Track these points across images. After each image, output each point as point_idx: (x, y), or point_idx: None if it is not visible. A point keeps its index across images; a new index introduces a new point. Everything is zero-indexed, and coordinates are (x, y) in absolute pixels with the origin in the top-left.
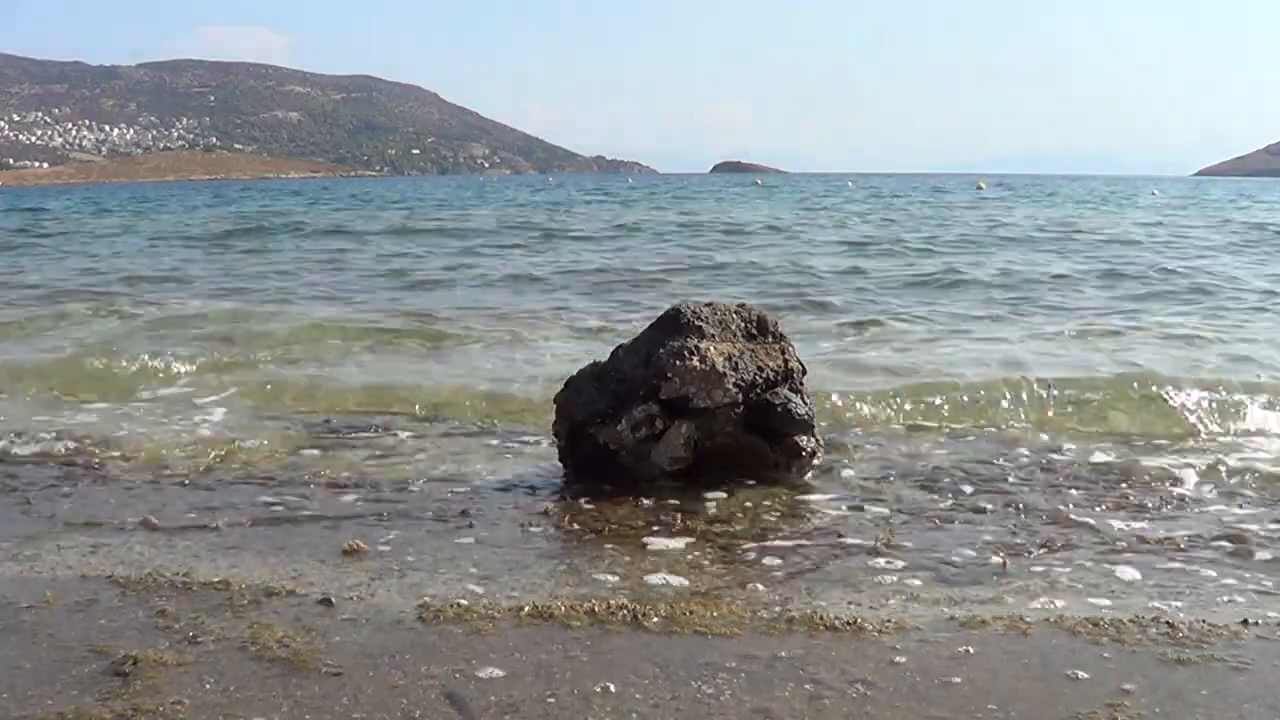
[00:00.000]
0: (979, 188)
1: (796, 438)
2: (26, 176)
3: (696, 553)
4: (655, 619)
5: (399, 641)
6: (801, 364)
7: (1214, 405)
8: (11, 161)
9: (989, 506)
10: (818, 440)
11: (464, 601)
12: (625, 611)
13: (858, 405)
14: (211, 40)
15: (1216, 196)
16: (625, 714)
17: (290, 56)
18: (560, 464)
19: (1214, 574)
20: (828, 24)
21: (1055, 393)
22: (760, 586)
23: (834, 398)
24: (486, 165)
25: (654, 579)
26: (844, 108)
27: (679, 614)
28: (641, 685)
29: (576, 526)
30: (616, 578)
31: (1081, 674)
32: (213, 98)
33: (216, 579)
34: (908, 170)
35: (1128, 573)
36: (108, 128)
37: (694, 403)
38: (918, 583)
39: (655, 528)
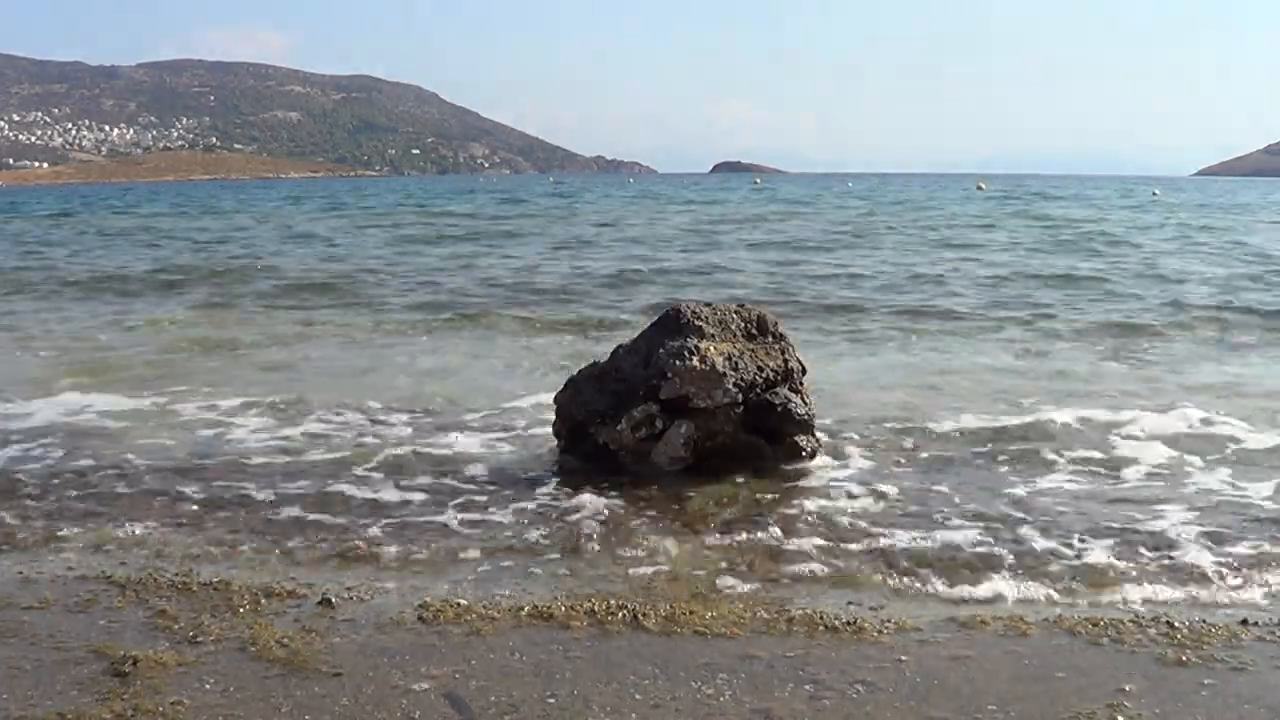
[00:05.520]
0: (979, 187)
1: (796, 437)
2: (27, 176)
3: (696, 552)
4: (655, 619)
5: (399, 641)
6: (801, 364)
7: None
8: (11, 161)
9: (990, 506)
10: (817, 440)
11: (464, 601)
12: (625, 611)
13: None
14: (211, 40)
15: None
16: (625, 714)
17: (290, 56)
18: (560, 463)
19: (1214, 574)
20: (828, 24)
21: None
22: (760, 586)
23: None
24: (486, 165)
25: (653, 578)
26: (843, 108)
27: (679, 614)
28: (641, 685)
29: (576, 527)
30: (616, 577)
31: (1081, 674)
32: (213, 98)
33: (216, 579)
34: (907, 170)
35: (1127, 573)
36: (108, 128)
37: (694, 402)
38: (918, 583)
39: (655, 528)
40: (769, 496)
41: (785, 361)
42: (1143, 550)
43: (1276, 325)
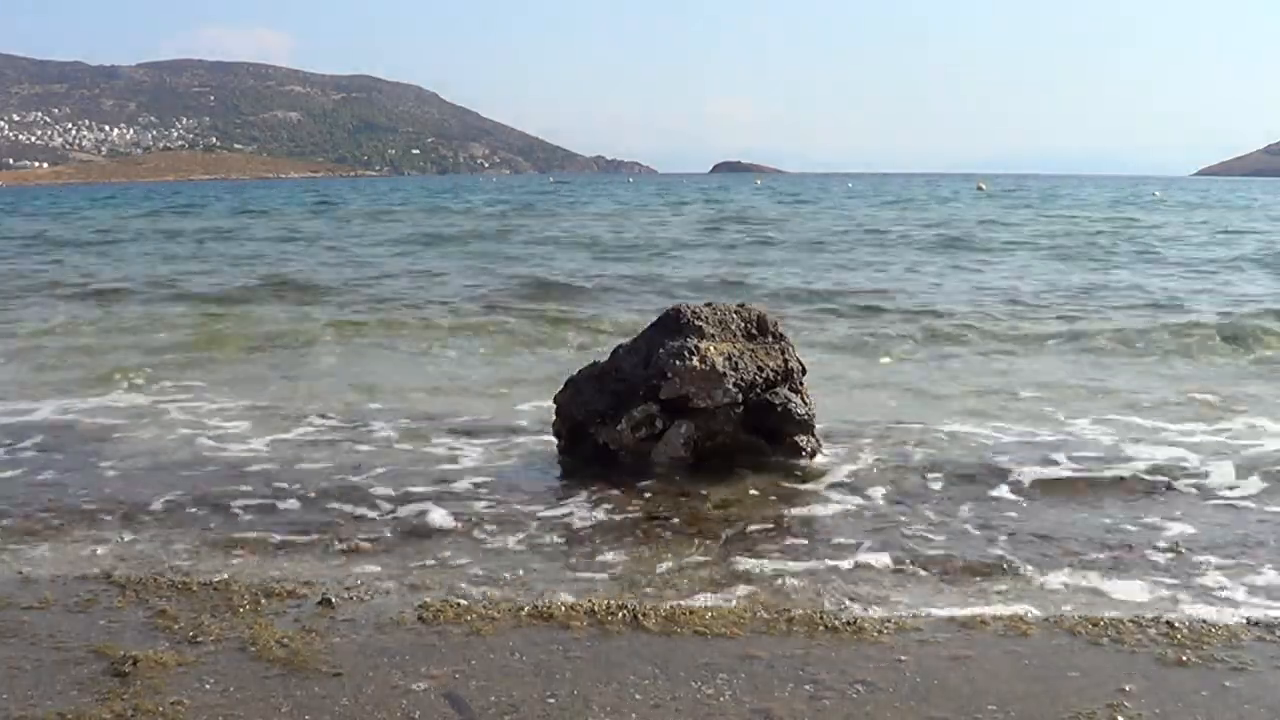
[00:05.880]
0: (979, 187)
1: (796, 437)
2: (27, 176)
3: (696, 552)
4: (655, 619)
5: (399, 641)
6: (801, 363)
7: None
8: (11, 161)
9: (989, 505)
10: (817, 440)
11: (464, 601)
12: (625, 611)
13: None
14: (211, 40)
15: None
16: (625, 714)
17: (290, 56)
18: (560, 464)
19: (1214, 575)
20: (828, 24)
21: None
22: (760, 586)
23: None
24: (486, 165)
25: (653, 578)
26: (842, 108)
27: (679, 614)
28: (641, 685)
29: (576, 527)
30: (616, 577)
31: (1081, 674)
32: (213, 98)
33: (216, 579)
34: (907, 170)
35: (1127, 573)
36: (108, 128)
37: (694, 402)
38: (918, 583)
39: (655, 528)
40: (769, 496)
41: (785, 361)
42: (1143, 551)
43: None
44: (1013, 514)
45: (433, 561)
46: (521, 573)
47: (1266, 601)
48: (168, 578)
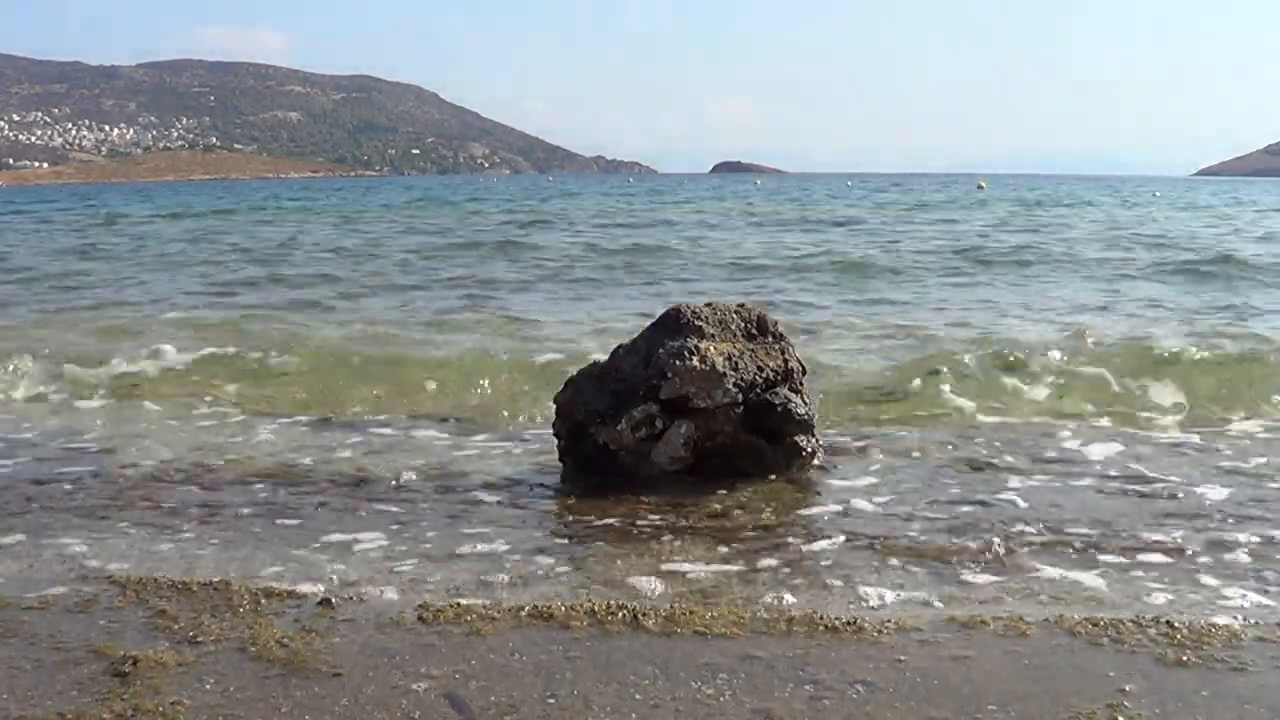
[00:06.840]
0: (980, 187)
1: (796, 438)
2: (27, 176)
3: (696, 553)
4: (655, 619)
5: (399, 641)
6: (801, 364)
7: None
8: (11, 161)
9: (993, 507)
10: (817, 440)
11: (464, 601)
12: (625, 611)
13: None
14: (211, 40)
15: None
16: (625, 714)
17: (290, 56)
18: (560, 463)
19: (1214, 574)
20: (828, 25)
21: None
22: (760, 586)
23: None
24: (486, 165)
25: (653, 579)
26: (843, 108)
27: (679, 614)
28: (641, 685)
29: (576, 526)
30: (616, 577)
31: (1081, 674)
32: (213, 98)
33: (216, 579)
34: (907, 170)
35: (1128, 572)
36: (108, 128)
37: (694, 403)
38: (918, 582)
39: (655, 528)
40: (769, 497)
41: (785, 361)
42: (1145, 550)
43: None
44: (1016, 514)
45: (432, 561)
46: (521, 573)
47: (1267, 601)
48: (168, 578)
